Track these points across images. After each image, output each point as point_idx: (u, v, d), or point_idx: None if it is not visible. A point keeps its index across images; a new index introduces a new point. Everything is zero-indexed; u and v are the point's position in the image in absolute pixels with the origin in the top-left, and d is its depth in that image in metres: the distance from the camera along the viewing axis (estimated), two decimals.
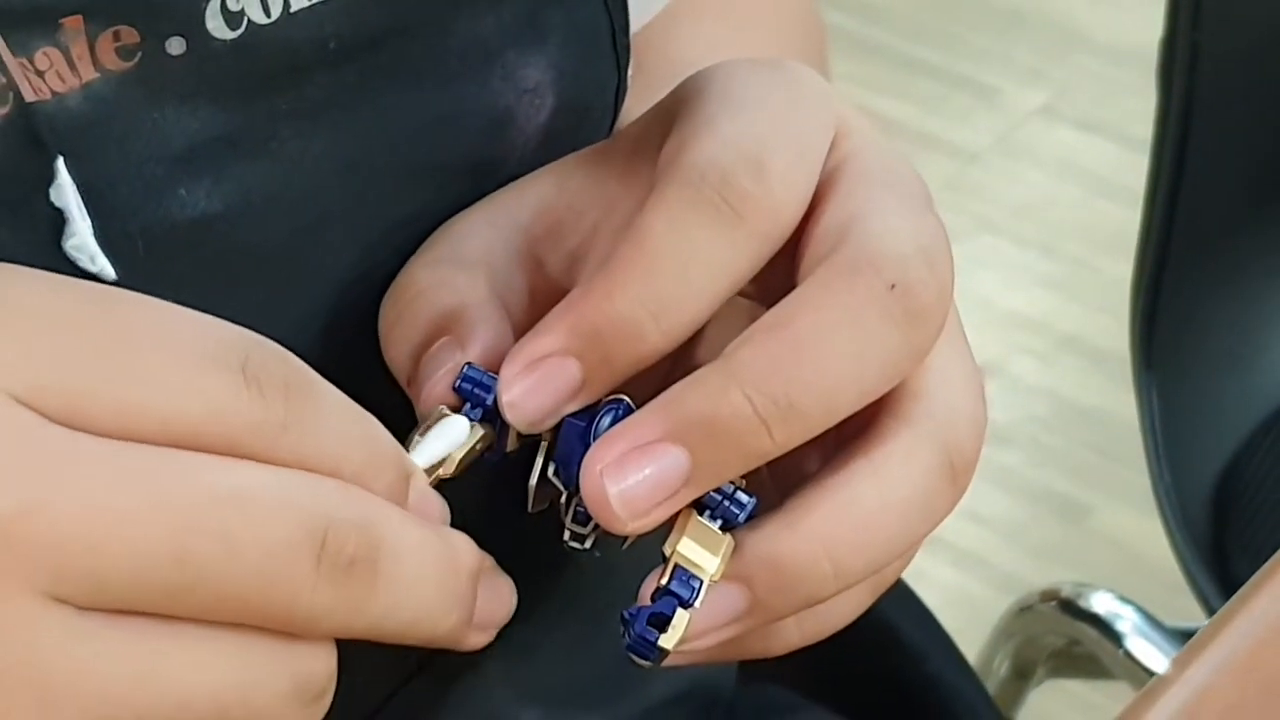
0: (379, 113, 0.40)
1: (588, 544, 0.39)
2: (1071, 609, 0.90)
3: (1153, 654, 0.87)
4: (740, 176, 0.37)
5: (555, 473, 0.38)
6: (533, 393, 0.37)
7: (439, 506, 0.36)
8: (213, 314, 0.34)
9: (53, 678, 0.29)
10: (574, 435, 0.37)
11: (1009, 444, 1.66)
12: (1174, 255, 0.85)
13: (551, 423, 0.38)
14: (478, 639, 0.36)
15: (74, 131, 0.36)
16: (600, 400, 0.38)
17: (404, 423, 0.38)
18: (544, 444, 0.38)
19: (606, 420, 0.37)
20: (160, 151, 0.37)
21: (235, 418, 0.32)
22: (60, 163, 0.36)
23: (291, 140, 0.39)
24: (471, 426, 0.38)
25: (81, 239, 0.37)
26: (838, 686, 0.60)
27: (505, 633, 0.48)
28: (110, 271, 0.37)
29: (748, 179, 0.37)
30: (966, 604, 1.35)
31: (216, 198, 0.38)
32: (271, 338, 0.34)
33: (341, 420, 0.34)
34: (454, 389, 0.38)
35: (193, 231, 0.38)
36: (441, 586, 0.34)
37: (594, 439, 0.37)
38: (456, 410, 0.38)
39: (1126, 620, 0.88)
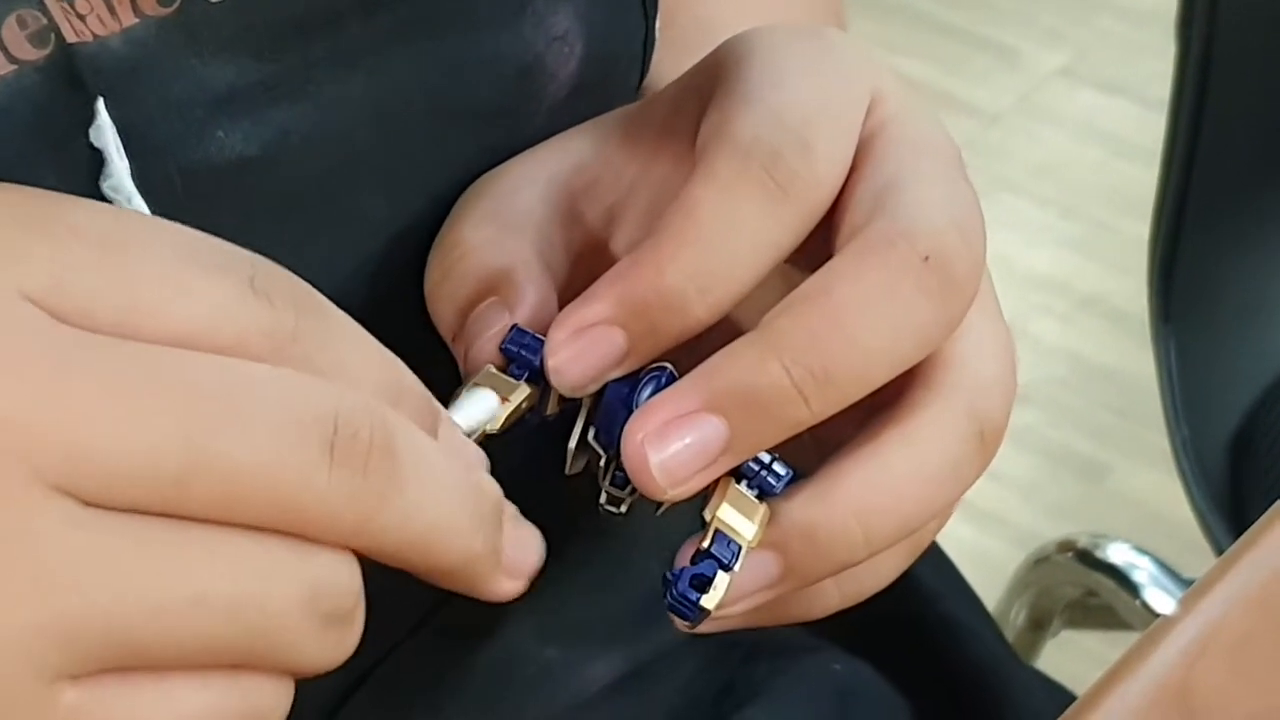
0: (413, 58, 0.41)
1: (623, 508, 0.39)
2: (1088, 559, 0.90)
3: (1170, 604, 0.87)
4: (787, 153, 0.37)
5: (595, 436, 0.39)
6: (578, 359, 0.38)
7: (474, 451, 0.36)
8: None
9: (55, 566, 0.29)
10: (616, 401, 0.38)
11: (1028, 403, 1.66)
12: (1192, 209, 0.85)
13: (594, 388, 0.38)
14: (510, 585, 0.36)
15: (115, 74, 0.37)
16: (643, 367, 0.38)
17: (435, 361, 0.39)
18: (585, 408, 0.39)
19: (649, 388, 0.38)
20: (199, 95, 0.38)
21: (244, 320, 0.31)
22: (100, 104, 0.37)
23: (328, 85, 0.39)
24: (517, 387, 0.39)
25: (118, 179, 0.37)
26: (854, 627, 0.60)
27: None
28: (146, 212, 0.38)
29: (794, 156, 0.37)
30: (984, 561, 1.35)
31: (254, 140, 0.39)
32: (305, 278, 0.34)
33: (356, 342, 0.34)
34: (501, 349, 0.39)
35: (230, 173, 0.39)
36: (464, 498, 0.34)
37: (636, 406, 0.37)
38: (503, 370, 0.39)
39: (1143, 570, 0.88)
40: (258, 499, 0.30)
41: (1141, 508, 1.58)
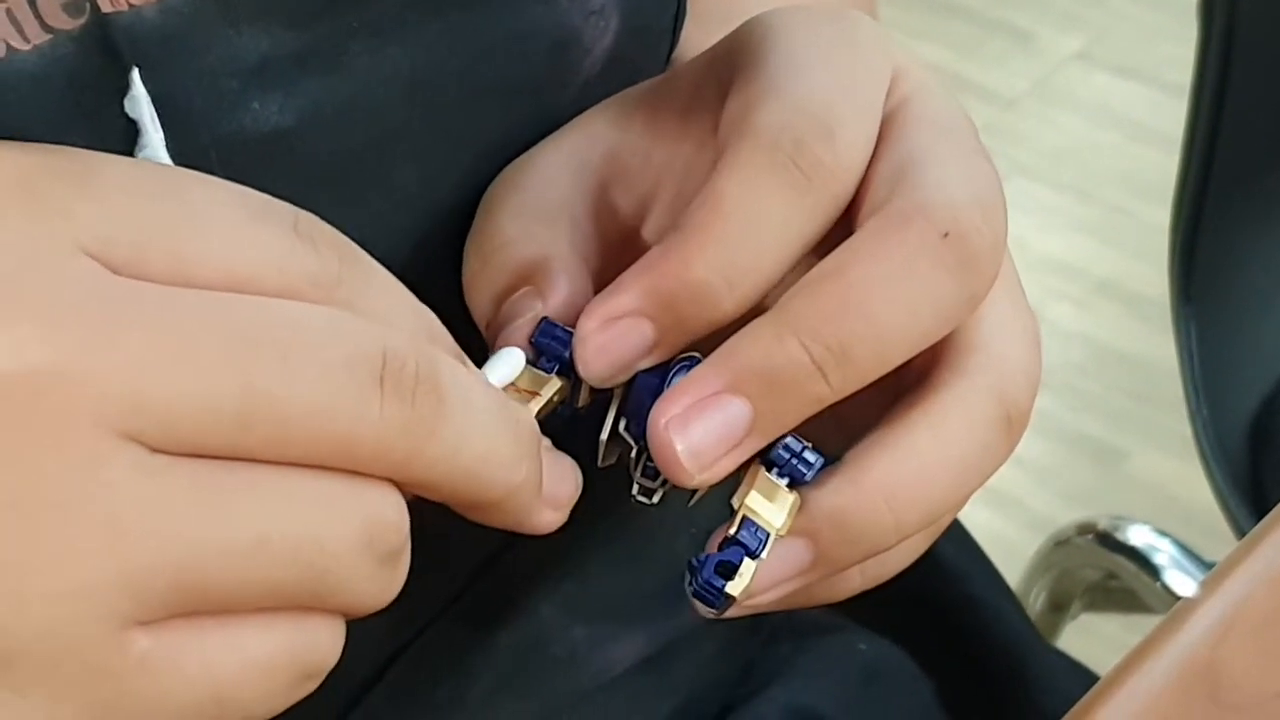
0: (448, 30, 0.41)
1: (656, 498, 0.39)
2: (1108, 541, 0.90)
3: (1190, 587, 0.87)
4: (811, 142, 0.37)
5: (626, 427, 0.39)
6: (606, 350, 0.38)
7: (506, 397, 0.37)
8: None
9: (126, 514, 0.30)
10: (646, 391, 0.38)
11: (1045, 388, 1.65)
12: (1213, 190, 0.85)
13: (623, 379, 0.38)
14: (551, 516, 0.37)
15: (150, 43, 0.37)
16: (673, 357, 0.38)
17: (468, 334, 0.39)
18: (616, 399, 0.39)
19: (679, 379, 0.38)
20: (234, 66, 0.38)
21: (290, 266, 0.32)
22: (135, 74, 0.37)
23: (362, 56, 0.39)
24: (548, 380, 0.39)
25: (153, 150, 0.37)
26: (879, 607, 0.60)
27: (554, 551, 0.49)
28: None
29: (818, 144, 0.37)
30: (1001, 545, 1.35)
31: (288, 112, 0.39)
32: None
33: (393, 290, 0.35)
34: (531, 342, 0.39)
35: (264, 144, 0.39)
36: (506, 428, 0.34)
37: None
38: (533, 363, 0.39)
39: (1164, 553, 0.88)
40: (314, 435, 0.31)
41: (1158, 492, 1.58)
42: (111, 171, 0.32)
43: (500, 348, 0.39)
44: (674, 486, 0.38)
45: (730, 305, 0.37)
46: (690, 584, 0.38)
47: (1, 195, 0.31)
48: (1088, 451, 1.65)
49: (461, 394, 0.33)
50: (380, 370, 0.32)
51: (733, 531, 0.37)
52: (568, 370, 0.39)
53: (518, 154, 0.43)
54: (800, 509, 0.38)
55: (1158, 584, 0.88)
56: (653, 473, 0.39)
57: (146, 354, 0.30)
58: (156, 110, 0.37)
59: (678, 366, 0.38)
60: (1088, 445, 1.65)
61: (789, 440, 0.38)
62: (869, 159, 0.39)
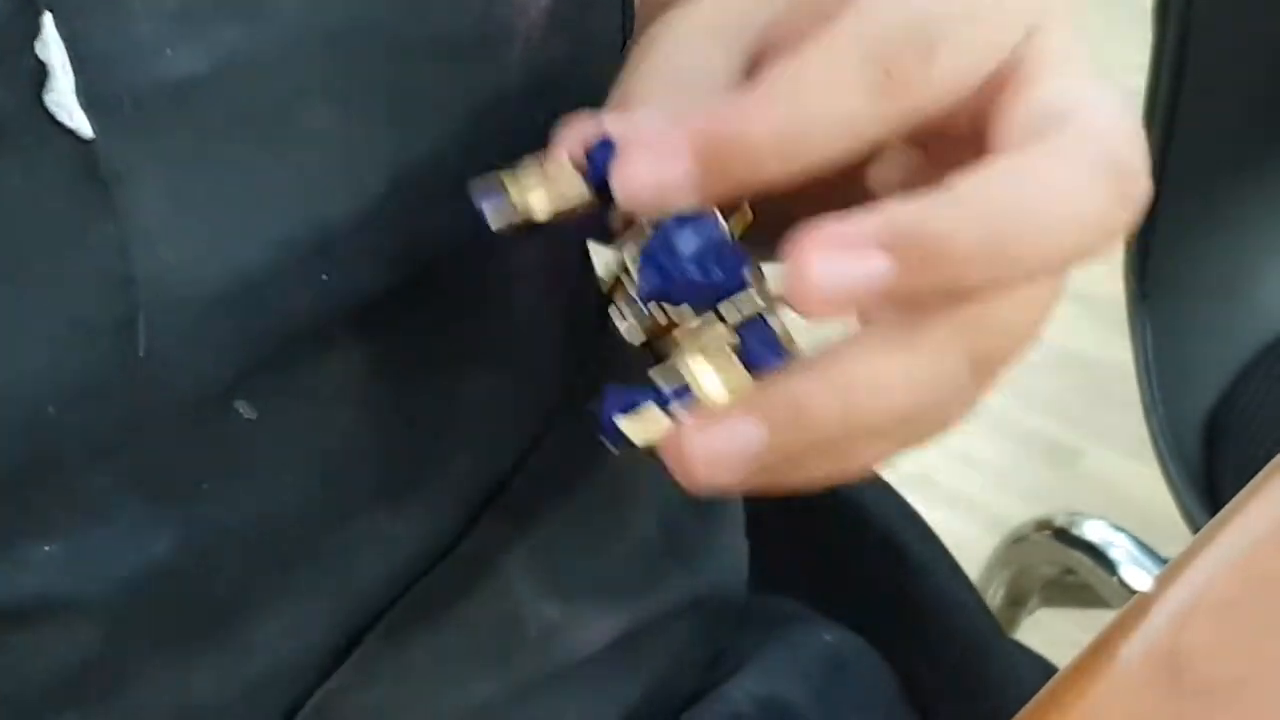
0: None
1: (624, 328, 0.38)
2: (1065, 537, 0.91)
3: (1147, 581, 0.88)
4: (907, 54, 0.37)
5: (640, 272, 0.38)
6: (644, 172, 0.37)
7: None
8: (199, 176, 0.34)
9: None
10: (672, 234, 0.38)
11: (999, 387, 1.67)
12: (1168, 187, 0.86)
13: (653, 210, 0.38)
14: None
15: None
16: (700, 213, 0.37)
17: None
18: (637, 238, 0.38)
19: (691, 229, 0.37)
20: (149, 11, 0.37)
21: None
22: (47, 17, 0.36)
23: (283, 5, 0.39)
24: (581, 186, 0.38)
25: (61, 94, 0.37)
26: (845, 598, 0.61)
27: (526, 528, 0.49)
28: (87, 129, 0.37)
29: (913, 58, 0.37)
30: (956, 545, 1.36)
31: (203, 59, 0.38)
32: (259, 200, 0.33)
33: None
34: (586, 154, 0.39)
35: (179, 92, 0.38)
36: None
37: (679, 244, 0.37)
38: (580, 172, 0.39)
39: (1120, 548, 0.89)
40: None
41: (1113, 490, 1.59)
42: None
43: (558, 139, 0.39)
44: (654, 334, 0.37)
45: (775, 169, 0.36)
46: (598, 413, 0.37)
47: None
48: (1042, 451, 1.66)
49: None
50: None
51: (660, 378, 0.37)
52: (606, 190, 0.38)
53: (452, 112, 0.43)
54: (760, 390, 0.36)
55: (1114, 579, 0.89)
56: (638, 312, 0.38)
57: None
58: (71, 55, 0.37)
59: (698, 219, 0.37)
60: (1042, 444, 1.66)
61: (770, 323, 0.37)
62: (975, 87, 0.38)
